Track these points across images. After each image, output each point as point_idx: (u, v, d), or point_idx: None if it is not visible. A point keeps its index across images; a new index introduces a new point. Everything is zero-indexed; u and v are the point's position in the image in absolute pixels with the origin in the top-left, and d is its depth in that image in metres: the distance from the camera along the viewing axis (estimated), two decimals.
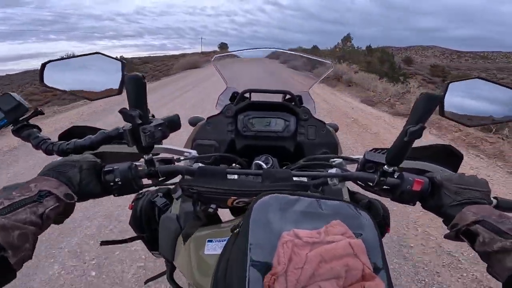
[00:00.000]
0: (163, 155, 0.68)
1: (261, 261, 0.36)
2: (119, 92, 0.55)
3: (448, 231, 0.48)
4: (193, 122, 1.05)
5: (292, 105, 0.95)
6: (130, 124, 0.50)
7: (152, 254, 0.88)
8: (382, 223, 0.82)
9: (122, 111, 0.49)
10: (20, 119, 0.56)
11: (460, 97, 0.55)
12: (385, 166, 0.55)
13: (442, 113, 0.53)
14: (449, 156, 0.72)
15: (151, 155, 0.55)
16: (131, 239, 0.78)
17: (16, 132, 0.56)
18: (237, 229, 0.44)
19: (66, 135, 0.68)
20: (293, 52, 1.12)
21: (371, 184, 0.58)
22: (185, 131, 0.86)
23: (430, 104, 0.48)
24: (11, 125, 0.55)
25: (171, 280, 0.82)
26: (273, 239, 0.37)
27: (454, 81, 0.54)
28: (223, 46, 63.25)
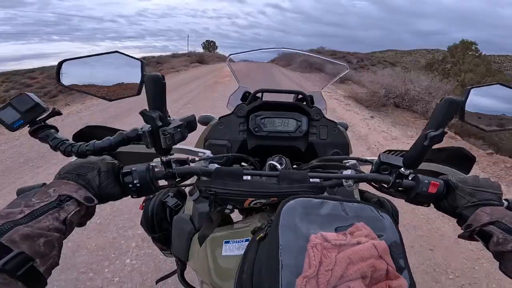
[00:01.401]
0: (177, 155, 0.68)
1: (291, 264, 0.37)
2: (138, 92, 0.54)
3: (462, 231, 0.50)
4: (203, 121, 1.05)
5: (304, 105, 0.95)
6: (149, 126, 0.50)
7: (163, 253, 0.89)
8: None
9: (143, 113, 0.49)
10: (37, 119, 0.55)
11: (481, 103, 0.55)
12: (402, 169, 0.55)
13: (462, 118, 0.53)
14: (461, 158, 0.72)
15: (168, 156, 0.55)
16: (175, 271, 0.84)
17: (33, 133, 0.55)
18: (262, 233, 0.45)
19: (79, 135, 0.69)
20: (308, 53, 1.11)
21: (385, 185, 0.58)
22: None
23: (452, 109, 0.48)
24: (28, 125, 0.54)
25: (183, 279, 0.83)
26: (302, 242, 0.38)
27: (475, 87, 0.53)
28: (208, 46, 57.85)
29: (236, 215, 0.77)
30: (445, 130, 0.48)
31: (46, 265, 0.36)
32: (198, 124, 1.05)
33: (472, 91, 0.52)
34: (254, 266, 0.43)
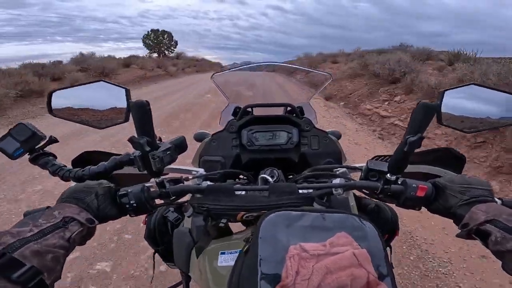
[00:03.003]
0: (171, 174, 0.70)
1: (270, 274, 0.39)
2: (125, 119, 0.57)
3: (459, 230, 0.49)
4: (198, 138, 1.08)
5: (293, 117, 0.97)
6: (139, 152, 0.53)
7: (168, 265, 0.91)
8: (391, 227, 0.83)
9: (131, 140, 0.52)
10: (36, 147, 0.58)
11: (457, 104, 0.56)
12: (388, 175, 0.56)
13: (440, 121, 0.54)
14: (451, 159, 0.73)
15: (161, 177, 0.58)
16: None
17: (32, 161, 0.58)
18: (247, 245, 0.47)
19: (78, 160, 0.71)
20: (291, 65, 1.14)
21: (375, 191, 0.59)
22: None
23: (427, 114, 0.49)
24: (27, 154, 0.57)
25: None
26: (281, 253, 0.40)
27: (449, 89, 0.55)
28: (148, 36, 35.23)
29: (239, 226, 0.79)
30: (423, 135, 0.49)
31: (52, 278, 0.39)
32: (194, 141, 1.09)
33: (446, 93, 0.54)
34: (239, 278, 0.44)
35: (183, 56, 30.98)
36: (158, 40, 36.85)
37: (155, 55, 34.76)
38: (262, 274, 0.39)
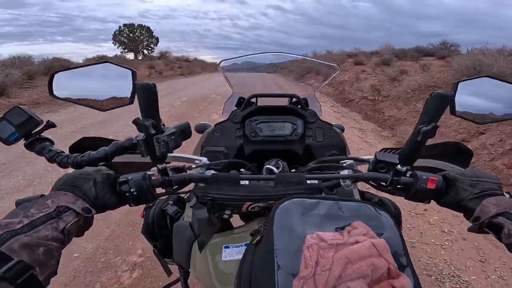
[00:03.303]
0: (174, 163, 0.68)
1: (288, 265, 0.36)
2: (130, 101, 0.55)
3: (471, 224, 0.48)
4: (199, 129, 1.06)
5: (298, 108, 0.96)
6: (144, 134, 0.50)
7: (166, 261, 0.88)
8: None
9: (136, 121, 0.49)
10: (32, 132, 0.54)
11: (470, 96, 0.55)
12: (398, 166, 0.55)
13: (453, 111, 0.54)
14: (458, 153, 0.72)
15: (164, 164, 0.55)
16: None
17: (28, 146, 0.55)
18: (259, 235, 0.44)
19: (76, 146, 0.69)
20: (299, 55, 1.13)
21: (384, 184, 0.58)
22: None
23: (441, 104, 0.48)
24: (23, 139, 0.54)
25: (186, 287, 0.81)
26: (298, 243, 0.38)
27: (463, 80, 0.54)
28: (121, 33, 28.76)
29: (238, 222, 0.77)
30: (437, 124, 0.49)
31: (45, 274, 0.36)
32: (195, 133, 1.07)
33: (460, 84, 0.53)
34: (251, 270, 0.42)
35: (168, 55, 26.42)
36: (133, 37, 30.18)
37: (130, 55, 28.54)
38: (279, 265, 0.36)
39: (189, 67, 23.44)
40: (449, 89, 0.54)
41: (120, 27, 30.89)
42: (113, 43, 30.25)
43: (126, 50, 30.82)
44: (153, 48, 32.03)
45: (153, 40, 31.91)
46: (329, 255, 0.36)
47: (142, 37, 31.44)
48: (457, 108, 0.54)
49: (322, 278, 0.34)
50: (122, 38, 30.43)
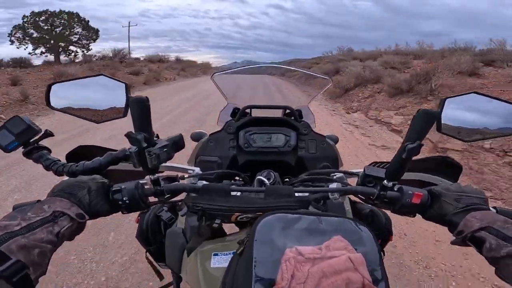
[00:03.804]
0: (167, 172, 0.69)
1: (265, 277, 0.38)
2: (124, 114, 0.56)
3: (454, 238, 0.49)
4: (195, 137, 1.07)
5: (292, 120, 0.97)
6: (136, 147, 0.52)
7: (159, 265, 0.90)
8: (385, 232, 0.83)
9: (128, 135, 0.51)
10: (31, 141, 0.57)
11: (457, 113, 0.56)
12: (385, 181, 0.56)
13: (439, 129, 0.54)
14: (448, 167, 0.73)
15: (157, 175, 0.57)
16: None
17: (26, 154, 0.58)
18: (243, 246, 0.46)
19: (72, 154, 0.70)
20: (291, 67, 1.14)
21: (371, 197, 0.59)
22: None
23: (427, 121, 0.49)
24: (22, 147, 0.57)
25: None
26: (277, 256, 0.39)
27: (450, 97, 0.55)
28: (28, 23, 17.69)
29: (233, 228, 0.78)
30: (422, 143, 0.49)
31: (37, 273, 0.38)
32: (191, 140, 1.08)
33: (447, 101, 0.54)
34: (233, 279, 0.44)
35: (125, 54, 17.51)
36: (49, 29, 18.84)
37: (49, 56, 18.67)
38: (256, 276, 0.38)
39: (162, 70, 16.93)
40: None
41: (26, 16, 18.70)
42: (10, 40, 18.84)
43: (41, 49, 19.31)
44: (88, 46, 21.11)
45: (91, 34, 20.50)
46: (305, 268, 0.37)
47: (69, 29, 19.75)
48: (443, 125, 0.54)
49: None
50: (29, 30, 19.08)
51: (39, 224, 0.41)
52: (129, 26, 28.35)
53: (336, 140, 1.07)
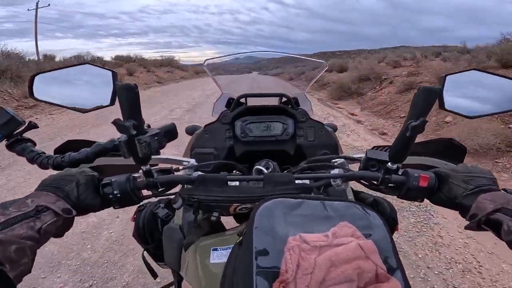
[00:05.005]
0: (161, 165, 0.67)
1: (267, 268, 0.35)
2: (111, 103, 0.54)
3: (468, 222, 0.46)
4: (190, 131, 1.05)
5: (289, 107, 0.95)
6: (126, 136, 0.49)
7: (159, 265, 0.87)
8: (390, 222, 0.82)
9: (115, 122, 0.48)
10: (14, 133, 0.55)
11: (458, 89, 0.55)
12: (389, 164, 0.54)
13: (442, 106, 0.53)
14: (451, 149, 0.71)
15: (148, 166, 0.54)
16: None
17: (10, 147, 0.55)
18: (241, 237, 0.43)
19: (62, 149, 0.67)
20: (286, 53, 1.13)
21: (375, 182, 0.57)
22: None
23: (429, 98, 0.48)
24: (5, 139, 0.54)
25: None
26: (279, 245, 0.36)
27: (450, 74, 0.53)
28: None
29: (233, 223, 0.76)
30: (426, 119, 0.48)
31: (17, 271, 0.36)
32: (186, 135, 1.06)
33: (448, 78, 0.52)
34: (233, 271, 0.41)
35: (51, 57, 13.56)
36: None
37: None
38: (258, 267, 0.35)
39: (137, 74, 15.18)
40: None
41: None
42: None
43: None
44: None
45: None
46: (311, 257, 0.34)
47: None
48: (445, 102, 0.53)
49: (303, 282, 0.32)
50: None
51: (19, 219, 0.39)
52: (36, 8, 19.51)
53: (335, 128, 1.05)
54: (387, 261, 0.36)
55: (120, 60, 18.25)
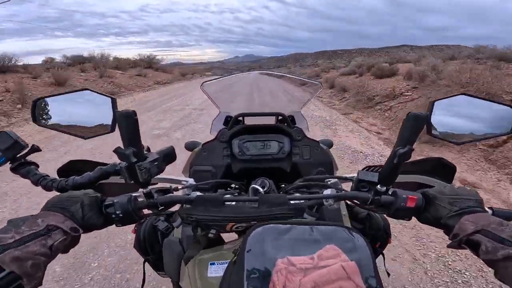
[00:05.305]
0: (161, 184, 0.69)
1: None
2: (112, 129, 0.56)
3: (450, 241, 0.49)
4: (189, 147, 1.07)
5: (285, 126, 0.97)
6: (126, 162, 0.52)
7: (159, 274, 0.90)
8: (383, 235, 0.83)
9: (116, 151, 0.51)
10: (18, 156, 0.57)
11: (446, 115, 0.56)
12: (378, 186, 0.55)
13: (429, 132, 0.54)
14: (442, 168, 0.73)
15: (149, 188, 0.56)
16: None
17: (14, 170, 0.58)
18: (235, 257, 0.46)
19: (64, 169, 0.70)
20: (281, 74, 1.15)
21: (366, 202, 0.58)
22: None
23: (417, 124, 0.49)
24: (9, 162, 0.57)
25: None
26: (268, 267, 0.40)
27: (439, 99, 0.55)
28: None
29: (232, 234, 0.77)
30: (412, 147, 0.49)
31: (32, 284, 0.40)
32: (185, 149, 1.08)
33: (436, 104, 0.54)
34: None
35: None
36: None
37: None
38: (248, 287, 0.38)
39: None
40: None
41: None
42: None
43: None
44: None
45: None
46: (296, 279, 0.37)
47: None
48: (433, 128, 0.54)
49: None
50: None
51: (32, 237, 0.42)
52: None
53: (330, 145, 1.07)
54: (368, 281, 0.40)
55: (76, 61, 13.74)
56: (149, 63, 19.95)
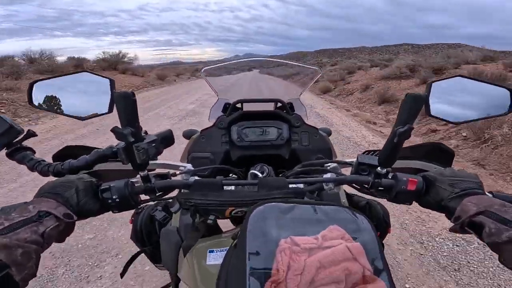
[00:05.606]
0: (159, 170, 0.68)
1: (260, 269, 0.36)
2: (109, 110, 0.55)
3: (452, 224, 0.47)
4: (187, 135, 1.06)
5: (283, 113, 0.97)
6: (123, 143, 0.51)
7: (156, 266, 0.89)
8: (383, 224, 0.84)
9: (114, 130, 0.50)
10: (13, 141, 0.56)
11: (444, 96, 0.56)
12: (378, 168, 0.56)
13: (428, 112, 0.55)
14: (440, 153, 0.73)
15: (146, 171, 0.56)
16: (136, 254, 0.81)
17: (9, 155, 0.56)
18: (236, 239, 0.45)
19: (60, 155, 0.69)
20: (281, 60, 1.15)
21: (366, 186, 0.58)
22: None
23: (416, 105, 0.49)
24: (5, 148, 0.55)
25: None
26: (271, 247, 0.38)
27: (436, 81, 0.55)
28: None
29: (229, 225, 0.77)
30: (412, 126, 0.49)
31: (22, 274, 0.37)
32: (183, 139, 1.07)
33: (434, 85, 0.54)
34: (227, 273, 0.42)
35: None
36: None
37: None
38: (251, 269, 0.37)
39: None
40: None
41: None
42: None
43: None
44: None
45: None
46: (301, 259, 0.36)
47: None
48: (432, 109, 0.55)
49: (293, 282, 0.34)
50: None
51: (22, 224, 0.40)
52: None
53: (329, 133, 1.07)
54: (374, 262, 0.38)
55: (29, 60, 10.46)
56: (114, 64, 14.86)
